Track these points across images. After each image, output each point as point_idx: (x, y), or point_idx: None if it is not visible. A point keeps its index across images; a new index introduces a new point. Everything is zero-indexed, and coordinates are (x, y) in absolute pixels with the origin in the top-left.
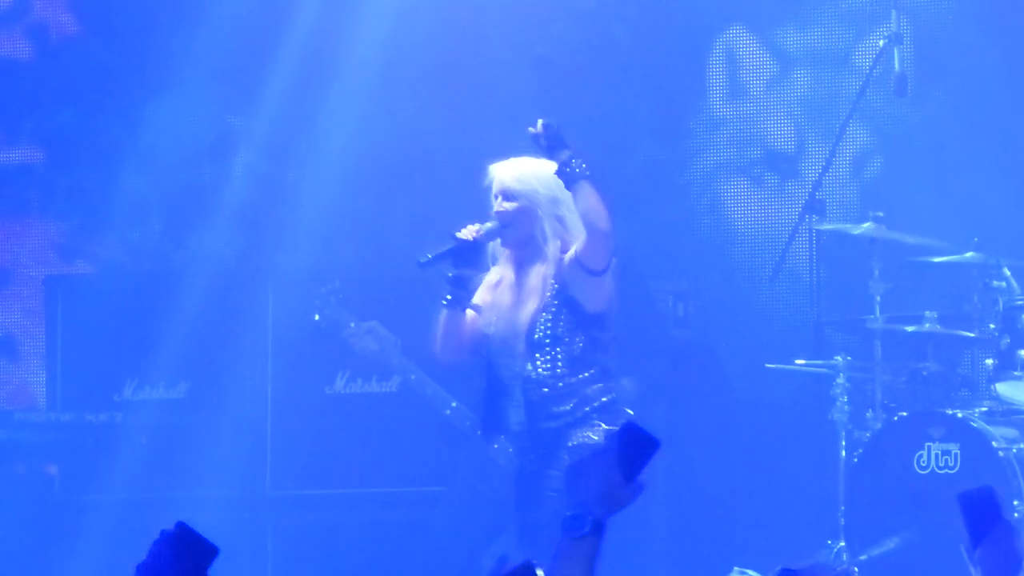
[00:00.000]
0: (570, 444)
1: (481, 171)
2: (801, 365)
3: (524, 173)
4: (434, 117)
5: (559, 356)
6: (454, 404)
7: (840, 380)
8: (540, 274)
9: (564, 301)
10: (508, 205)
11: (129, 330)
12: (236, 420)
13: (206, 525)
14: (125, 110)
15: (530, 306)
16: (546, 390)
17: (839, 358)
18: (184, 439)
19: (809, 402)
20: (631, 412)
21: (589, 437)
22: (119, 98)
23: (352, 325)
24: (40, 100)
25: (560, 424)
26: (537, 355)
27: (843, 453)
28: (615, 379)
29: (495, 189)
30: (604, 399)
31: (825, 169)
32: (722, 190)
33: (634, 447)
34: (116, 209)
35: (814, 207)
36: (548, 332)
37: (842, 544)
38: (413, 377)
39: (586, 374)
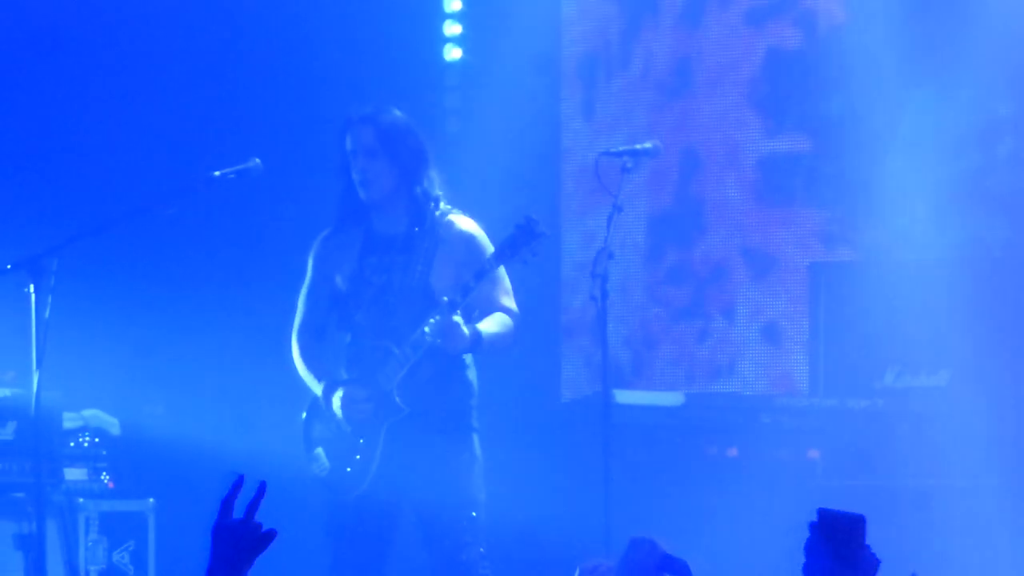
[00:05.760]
0: None
1: None
2: None
3: None
4: None
5: None
6: None
7: None
8: None
9: None
10: None
11: (890, 317)
12: (997, 410)
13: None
14: (889, 97)
15: None
16: None
17: None
18: (945, 428)
19: None
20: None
21: None
22: (884, 85)
23: None
24: (808, 88)
25: None
26: None
27: None
28: None
29: None
30: None
31: None
32: None
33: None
34: (880, 196)
35: None
36: None
37: None
38: None
39: None
